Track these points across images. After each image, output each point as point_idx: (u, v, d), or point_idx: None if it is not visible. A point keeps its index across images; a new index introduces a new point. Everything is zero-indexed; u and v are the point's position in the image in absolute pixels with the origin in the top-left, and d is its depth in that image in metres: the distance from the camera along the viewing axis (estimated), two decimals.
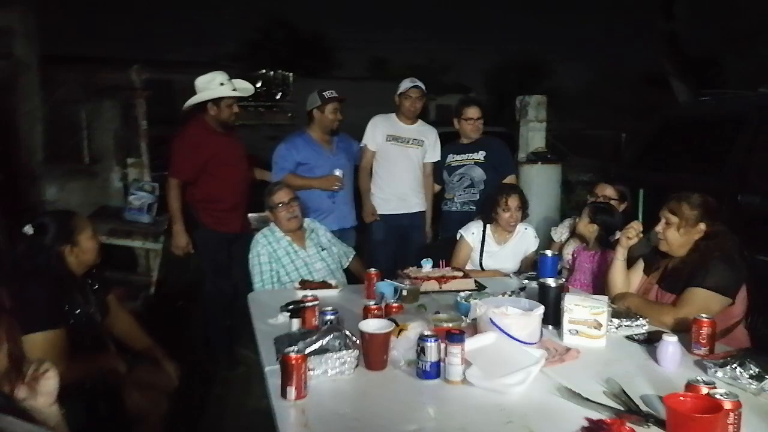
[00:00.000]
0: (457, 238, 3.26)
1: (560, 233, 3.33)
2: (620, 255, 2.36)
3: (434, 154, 3.82)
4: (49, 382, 1.29)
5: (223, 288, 3.35)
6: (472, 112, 3.65)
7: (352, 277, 3.14)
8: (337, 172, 3.50)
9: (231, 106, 3.32)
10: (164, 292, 4.60)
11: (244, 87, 3.47)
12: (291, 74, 15.10)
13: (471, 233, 3.20)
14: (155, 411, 2.16)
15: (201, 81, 3.33)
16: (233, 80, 3.39)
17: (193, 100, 3.35)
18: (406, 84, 3.69)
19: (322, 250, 3.01)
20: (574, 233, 3.16)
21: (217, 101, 3.28)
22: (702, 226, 2.15)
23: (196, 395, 2.91)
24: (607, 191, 3.19)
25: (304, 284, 2.61)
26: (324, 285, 2.61)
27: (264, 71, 15.53)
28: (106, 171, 5.24)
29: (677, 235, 2.18)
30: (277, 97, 10.73)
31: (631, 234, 2.32)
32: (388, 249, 3.69)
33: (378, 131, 3.69)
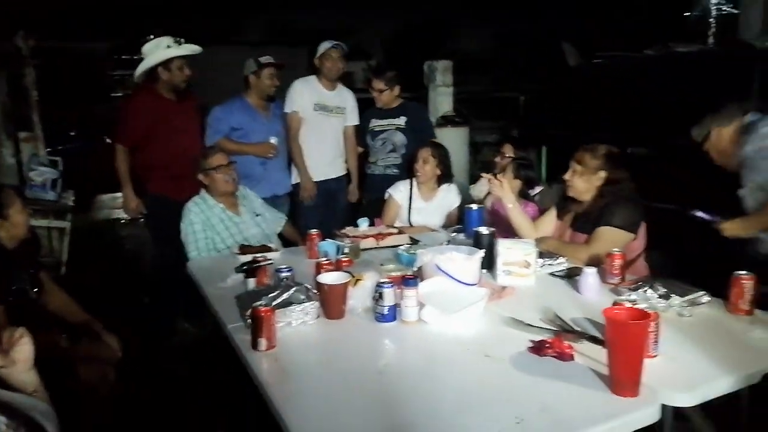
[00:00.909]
0: (385, 197, 3.40)
1: (479, 190, 3.56)
2: (508, 201, 2.62)
3: (354, 118, 3.91)
4: (25, 348, 1.27)
5: (168, 256, 3.27)
6: (376, 83, 3.72)
7: (286, 242, 3.18)
8: (273, 140, 3.49)
9: (182, 69, 3.26)
10: (77, 272, 4.38)
11: (191, 47, 3.35)
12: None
13: (399, 191, 3.36)
14: (104, 383, 2.13)
15: (148, 47, 3.26)
16: (182, 43, 3.30)
17: (142, 66, 3.27)
18: (325, 45, 3.68)
19: (257, 215, 3.03)
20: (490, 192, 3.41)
21: (167, 65, 3.22)
22: (602, 174, 2.42)
23: (139, 365, 2.88)
24: (509, 150, 3.48)
25: (244, 249, 2.62)
26: (264, 248, 2.64)
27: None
28: None
29: (581, 182, 2.46)
30: None
31: (494, 187, 2.62)
32: (317, 212, 3.75)
33: (305, 98, 3.68)
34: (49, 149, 5.05)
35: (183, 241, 2.87)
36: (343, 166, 3.92)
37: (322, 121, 3.74)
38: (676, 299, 1.76)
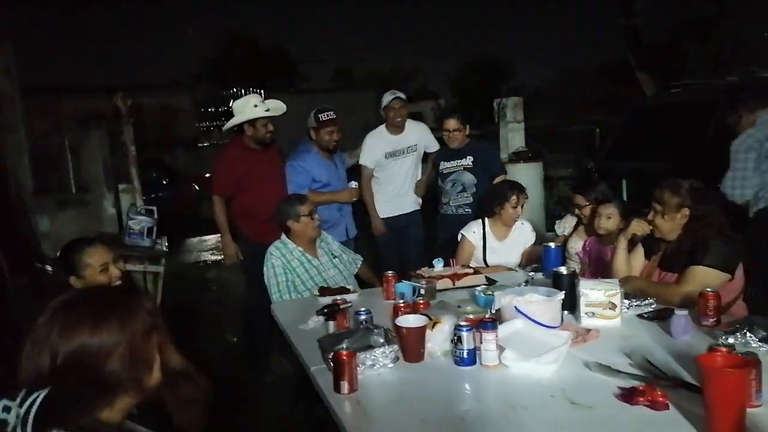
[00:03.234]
0: (458, 238, 3.40)
1: (563, 227, 3.48)
2: (622, 244, 2.53)
3: (432, 145, 4.09)
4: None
5: (261, 297, 3.44)
6: (450, 124, 3.83)
7: (361, 283, 3.25)
8: (353, 184, 3.72)
9: (266, 125, 3.53)
10: (169, 315, 4.64)
11: (276, 106, 3.63)
12: (261, 91, 15.23)
13: (472, 232, 3.35)
14: (198, 423, 2.22)
15: (237, 105, 3.58)
16: (267, 100, 3.62)
17: (231, 122, 3.58)
18: (387, 97, 3.90)
19: (334, 257, 3.12)
20: (576, 227, 3.33)
21: (252, 122, 3.50)
22: (686, 211, 2.31)
23: (230, 405, 3.01)
24: (581, 200, 3.21)
25: (323, 291, 2.71)
26: (343, 290, 2.71)
27: (234, 90, 15.61)
28: (98, 199, 5.26)
29: (663, 221, 2.35)
30: None
31: (639, 231, 2.47)
32: (392, 246, 3.95)
33: (376, 152, 3.90)
34: (144, 197, 5.49)
35: (266, 284, 3.00)
36: (415, 201, 4.07)
37: (393, 165, 3.94)
38: None
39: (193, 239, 8.59)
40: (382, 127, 3.97)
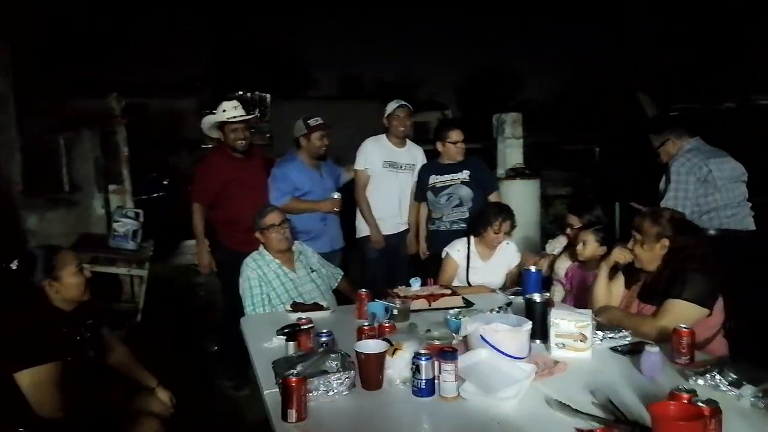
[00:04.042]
0: (443, 256, 3.33)
1: (553, 246, 3.40)
2: (603, 271, 2.46)
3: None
4: None
5: (236, 307, 3.38)
6: (456, 135, 3.73)
7: (341, 297, 3.19)
8: (336, 195, 3.62)
9: (236, 131, 3.49)
10: (151, 319, 4.59)
11: (237, 112, 3.55)
12: (268, 95, 15.25)
13: (456, 251, 3.28)
14: None
15: (210, 117, 3.56)
16: (237, 107, 3.55)
17: (203, 127, 3.59)
18: (392, 105, 3.82)
19: (312, 271, 3.06)
20: (566, 249, 3.25)
21: (222, 128, 3.47)
22: (665, 242, 2.24)
23: (194, 419, 2.95)
24: (575, 221, 3.16)
25: (296, 306, 2.65)
26: (316, 307, 2.65)
27: (241, 93, 15.65)
28: (88, 199, 5.23)
29: (642, 251, 2.29)
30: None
31: (621, 259, 2.41)
32: (382, 266, 3.83)
33: (375, 156, 3.80)
34: (144, 196, 5.44)
35: (241, 296, 2.94)
36: (405, 223, 3.96)
37: (390, 178, 3.84)
38: (748, 388, 1.56)
39: (189, 242, 8.54)
40: (383, 136, 3.88)
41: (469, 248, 3.28)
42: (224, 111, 3.46)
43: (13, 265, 2.08)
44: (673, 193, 3.17)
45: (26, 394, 1.91)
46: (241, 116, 3.52)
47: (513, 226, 3.25)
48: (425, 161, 3.97)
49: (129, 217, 4.57)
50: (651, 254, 2.25)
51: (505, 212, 3.25)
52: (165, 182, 10.77)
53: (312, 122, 3.54)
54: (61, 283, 2.11)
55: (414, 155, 3.92)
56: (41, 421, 1.92)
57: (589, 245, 2.84)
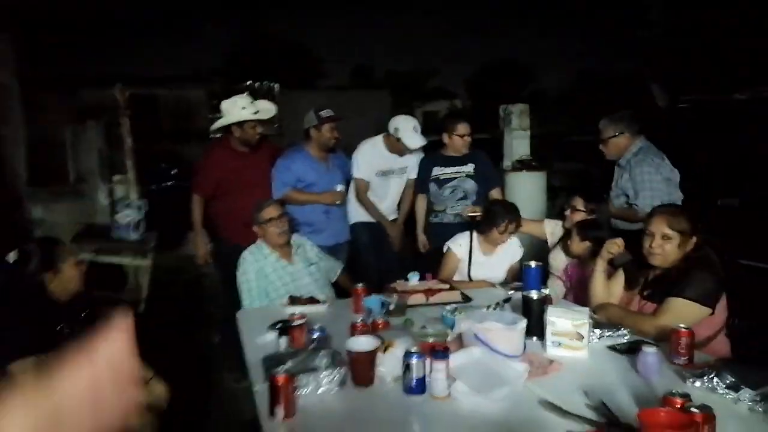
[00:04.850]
0: (444, 250, 3.30)
1: (552, 228, 3.35)
2: (600, 266, 2.41)
3: (415, 171, 3.95)
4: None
5: (236, 300, 3.38)
6: (463, 128, 3.69)
7: (341, 291, 3.16)
8: (339, 188, 3.58)
9: (254, 127, 3.45)
10: (155, 310, 4.60)
11: (266, 108, 3.54)
12: (276, 85, 15.21)
13: (458, 245, 3.24)
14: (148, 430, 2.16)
15: (225, 105, 3.47)
16: (257, 102, 3.51)
17: (217, 124, 3.51)
18: (413, 139, 3.65)
19: (310, 265, 3.04)
20: (561, 241, 3.21)
21: (240, 123, 3.41)
22: (694, 239, 2.19)
23: (193, 410, 2.95)
24: (579, 204, 3.15)
25: (293, 300, 2.63)
26: (312, 301, 2.64)
27: (249, 82, 15.64)
28: (92, 190, 5.25)
29: (676, 250, 2.19)
30: None
31: (614, 249, 2.37)
32: (372, 251, 3.84)
33: (370, 166, 3.78)
34: (153, 186, 5.40)
35: (238, 289, 2.93)
36: (394, 211, 3.98)
37: (382, 184, 3.84)
38: (746, 392, 1.51)
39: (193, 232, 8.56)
40: (379, 141, 3.81)
41: (471, 242, 3.24)
42: (244, 108, 3.40)
43: (10, 258, 2.08)
44: (649, 192, 3.14)
45: None
46: (260, 112, 3.47)
47: (518, 226, 3.19)
48: (420, 156, 3.91)
49: (132, 208, 4.58)
50: (681, 251, 2.18)
51: (512, 213, 3.18)
52: (174, 172, 10.79)
53: (323, 114, 3.51)
54: (61, 275, 2.12)
55: (408, 156, 3.86)
56: None
57: (574, 240, 2.86)
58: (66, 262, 2.12)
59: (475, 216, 3.28)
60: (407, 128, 3.67)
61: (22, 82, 4.91)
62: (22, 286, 2.03)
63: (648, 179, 3.16)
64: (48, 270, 2.10)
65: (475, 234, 3.26)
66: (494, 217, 3.16)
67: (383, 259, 3.84)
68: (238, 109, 3.42)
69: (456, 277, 3.19)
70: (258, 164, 3.55)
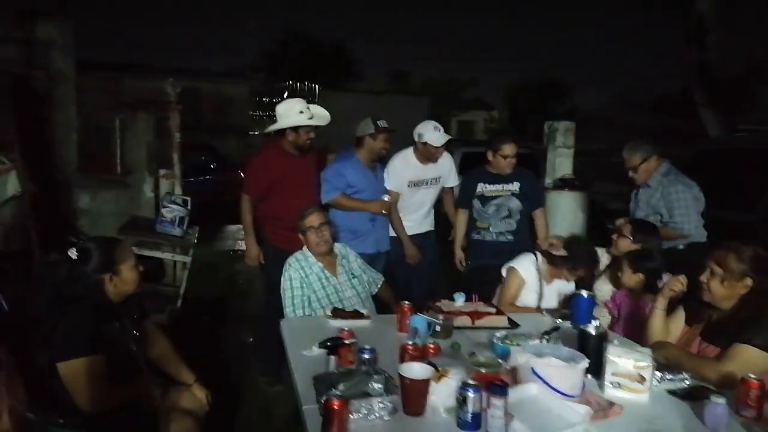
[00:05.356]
0: (505, 269, 3.19)
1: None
2: (660, 304, 2.32)
3: (453, 179, 3.96)
4: None
5: (275, 304, 3.38)
6: (509, 149, 3.63)
7: (379, 303, 3.13)
8: (387, 198, 3.59)
9: (309, 132, 3.46)
10: (191, 305, 4.64)
11: (321, 114, 3.56)
12: (317, 86, 15.31)
13: (526, 267, 3.12)
14: None
15: (281, 108, 3.49)
16: (312, 107, 3.52)
17: (274, 127, 3.53)
18: (435, 135, 3.65)
19: (353, 277, 3.01)
20: (607, 268, 3.11)
21: (295, 128, 3.42)
22: (748, 281, 2.09)
23: (228, 412, 2.95)
24: (627, 231, 3.04)
25: (336, 312, 2.61)
26: (356, 314, 2.61)
27: (290, 82, 15.79)
28: (138, 182, 5.33)
29: (721, 287, 2.12)
30: None
31: (677, 287, 2.27)
32: (404, 266, 3.79)
33: (402, 178, 3.75)
34: (191, 179, 5.44)
35: (281, 295, 2.91)
36: (430, 224, 3.95)
37: (414, 194, 3.81)
38: None
39: (232, 227, 8.64)
40: (410, 153, 3.78)
41: (538, 268, 3.12)
42: (300, 113, 3.40)
43: (72, 255, 2.08)
44: (684, 210, 3.30)
45: (66, 385, 1.92)
46: (315, 118, 3.47)
47: (591, 279, 3.07)
48: (453, 167, 3.93)
49: (177, 204, 4.62)
50: (730, 292, 2.09)
51: (593, 265, 3.06)
52: (212, 166, 10.93)
53: (381, 124, 3.53)
54: (120, 277, 2.12)
55: (441, 165, 3.83)
56: (79, 412, 1.93)
57: (625, 272, 2.76)
58: (125, 264, 2.11)
59: (552, 249, 3.10)
60: (428, 129, 3.69)
61: (80, 68, 5.02)
62: (80, 285, 2.04)
63: (683, 197, 3.33)
64: (107, 271, 2.10)
65: (539, 259, 3.13)
66: (574, 261, 3.01)
67: (420, 277, 3.80)
68: (295, 113, 3.42)
69: (517, 303, 3.08)
70: (307, 168, 3.57)
